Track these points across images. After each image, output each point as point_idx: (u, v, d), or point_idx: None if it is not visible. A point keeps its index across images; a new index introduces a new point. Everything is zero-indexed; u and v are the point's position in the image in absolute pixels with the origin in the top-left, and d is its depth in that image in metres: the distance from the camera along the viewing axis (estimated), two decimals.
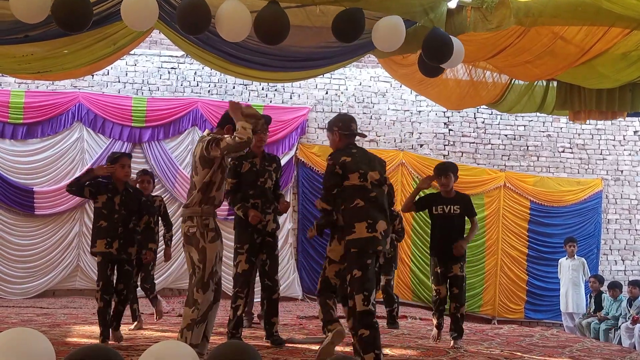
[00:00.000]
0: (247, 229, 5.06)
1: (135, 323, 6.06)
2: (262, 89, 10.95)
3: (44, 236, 9.81)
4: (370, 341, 3.79)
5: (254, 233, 5.06)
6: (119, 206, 5.05)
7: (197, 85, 10.79)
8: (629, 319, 8.45)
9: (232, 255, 5.15)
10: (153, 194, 6.48)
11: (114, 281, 5.09)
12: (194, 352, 2.10)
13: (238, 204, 5.13)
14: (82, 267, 9.87)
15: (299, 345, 4.90)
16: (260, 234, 5.10)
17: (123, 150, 10.00)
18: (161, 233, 6.57)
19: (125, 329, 5.64)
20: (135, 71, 10.62)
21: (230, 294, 5.18)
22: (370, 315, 3.82)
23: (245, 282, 5.04)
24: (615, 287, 9.34)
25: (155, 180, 7.56)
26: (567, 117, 7.68)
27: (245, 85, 10.84)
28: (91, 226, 9.56)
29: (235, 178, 5.22)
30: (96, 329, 5.60)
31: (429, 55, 5.36)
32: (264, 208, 5.13)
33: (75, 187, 5.10)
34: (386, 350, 4.88)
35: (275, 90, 11.00)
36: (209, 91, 10.77)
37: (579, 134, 11.93)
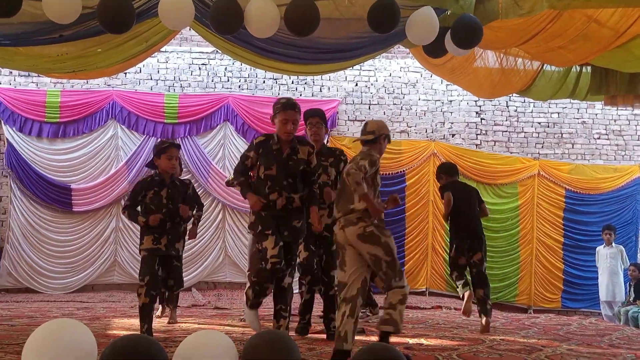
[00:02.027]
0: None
1: (160, 310, 6.16)
2: (292, 83, 10.98)
3: (82, 232, 10.03)
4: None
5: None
6: (167, 200, 4.87)
7: (228, 80, 10.87)
8: None
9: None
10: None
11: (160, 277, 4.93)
12: (231, 341, 2.14)
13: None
14: (119, 262, 10.07)
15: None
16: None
17: None
18: None
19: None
20: (167, 68, 10.75)
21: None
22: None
23: (306, 268, 5.04)
24: None
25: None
26: (602, 102, 7.54)
27: (275, 79, 10.88)
28: (126, 222, 9.92)
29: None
30: (135, 322, 5.72)
31: (457, 40, 5.32)
32: (320, 202, 4.93)
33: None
34: (421, 340, 4.88)
35: (305, 83, 11.02)
36: (239, 86, 10.85)
37: (615, 120, 11.69)
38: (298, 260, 5.00)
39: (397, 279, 4.04)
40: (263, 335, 2.16)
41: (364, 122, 4.68)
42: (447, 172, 6.48)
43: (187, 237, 5.64)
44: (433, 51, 5.97)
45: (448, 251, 6.63)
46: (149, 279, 4.67)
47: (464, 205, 6.11)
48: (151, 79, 10.69)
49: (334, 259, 4.79)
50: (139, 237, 5.11)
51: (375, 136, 4.32)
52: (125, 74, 10.37)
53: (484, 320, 5.64)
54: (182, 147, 10.22)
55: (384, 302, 4.06)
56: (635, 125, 11.71)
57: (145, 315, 4.76)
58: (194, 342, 2.08)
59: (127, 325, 5.63)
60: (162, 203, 4.84)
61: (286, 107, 4.57)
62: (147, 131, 10.23)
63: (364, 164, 4.02)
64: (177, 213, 4.91)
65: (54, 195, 9.92)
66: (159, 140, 5.42)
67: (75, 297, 8.98)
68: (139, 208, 4.94)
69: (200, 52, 10.77)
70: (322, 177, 5.07)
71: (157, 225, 4.76)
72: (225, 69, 10.87)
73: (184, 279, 5.53)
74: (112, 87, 10.43)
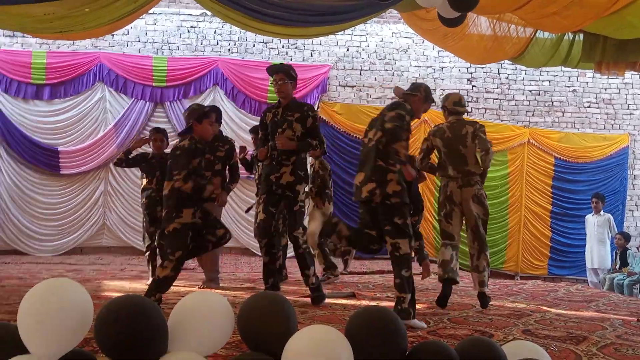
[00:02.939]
0: (265, 180, 4.99)
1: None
2: (283, 47, 10.85)
3: (70, 195, 9.98)
4: None
5: (272, 184, 4.94)
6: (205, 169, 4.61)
7: (217, 44, 10.72)
8: None
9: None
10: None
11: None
12: (227, 302, 2.13)
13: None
14: (108, 225, 10.04)
15: (326, 299, 4.94)
16: (278, 186, 4.93)
17: (145, 111, 10.06)
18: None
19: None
20: (155, 30, 10.57)
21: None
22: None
23: (262, 232, 4.92)
24: None
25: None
26: (593, 70, 7.52)
27: (266, 43, 10.75)
28: (115, 186, 9.88)
29: (263, 130, 5.19)
30: (125, 284, 5.74)
31: (454, 3, 5.27)
32: (279, 159, 4.93)
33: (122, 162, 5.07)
34: None
35: (296, 47, 10.90)
36: (229, 50, 10.71)
37: (605, 89, 11.69)
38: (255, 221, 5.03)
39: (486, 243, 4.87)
40: (258, 297, 2.15)
41: (451, 94, 5.13)
42: None
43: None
44: (451, 22, 5.87)
45: (437, 217, 6.64)
46: (181, 254, 4.36)
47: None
48: (139, 41, 10.52)
49: (298, 220, 4.89)
50: (142, 202, 5.08)
51: None
52: (113, 35, 10.20)
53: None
54: (170, 110, 10.17)
55: (476, 265, 4.76)
56: (626, 94, 11.72)
57: (164, 287, 4.41)
58: (191, 303, 2.07)
59: (117, 287, 5.63)
60: (201, 172, 4.48)
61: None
62: (135, 94, 10.10)
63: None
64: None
65: (42, 158, 9.83)
66: (193, 104, 5.06)
67: (65, 260, 8.96)
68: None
69: (189, 14, 10.59)
70: (287, 133, 4.93)
71: (205, 197, 4.45)
72: (215, 32, 10.71)
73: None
74: (99, 49, 10.26)
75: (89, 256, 9.55)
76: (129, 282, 6.05)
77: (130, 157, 6.00)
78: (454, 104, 5.12)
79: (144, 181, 6.09)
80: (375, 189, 4.05)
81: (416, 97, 4.43)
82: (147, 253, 5.98)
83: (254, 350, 2.03)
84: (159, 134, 6.07)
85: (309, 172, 5.46)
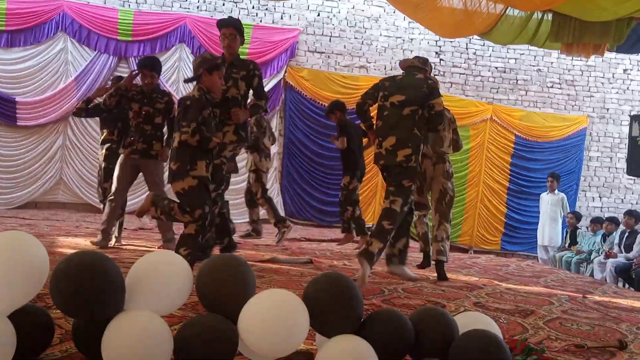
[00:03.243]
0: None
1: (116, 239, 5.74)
2: (253, 8, 10.68)
3: (26, 147, 9.73)
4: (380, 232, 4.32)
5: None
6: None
7: (186, 0, 10.48)
8: (601, 253, 8.70)
9: None
10: None
11: None
12: (185, 262, 2.12)
13: None
14: (65, 180, 9.85)
15: (283, 265, 4.98)
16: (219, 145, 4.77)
17: (108, 65, 9.82)
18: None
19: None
20: None
21: None
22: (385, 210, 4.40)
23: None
24: (597, 222, 9.57)
25: None
26: (559, 51, 7.63)
27: (235, 2, 10.57)
28: (73, 140, 9.64)
29: None
30: (80, 241, 5.66)
31: None
32: (222, 118, 4.80)
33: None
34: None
35: (266, 9, 10.74)
36: (197, 7, 10.49)
37: (569, 70, 11.89)
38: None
39: (449, 216, 5.12)
40: (218, 259, 2.15)
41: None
42: (342, 109, 6.96)
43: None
44: None
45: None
46: (202, 212, 4.02)
47: (356, 142, 6.70)
48: None
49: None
50: (101, 154, 4.90)
51: None
52: None
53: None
54: (134, 66, 9.92)
55: (435, 235, 5.01)
56: (588, 77, 11.94)
57: (195, 245, 4.09)
58: (149, 262, 2.06)
59: (72, 244, 5.54)
60: (211, 123, 4.24)
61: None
62: (98, 47, 9.84)
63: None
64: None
65: None
66: (206, 53, 4.75)
67: (18, 214, 8.77)
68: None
69: None
70: (231, 91, 4.82)
71: (211, 149, 4.21)
72: None
73: (131, 202, 5.28)
74: None
75: (43, 211, 9.37)
76: (84, 239, 5.97)
77: (90, 106, 5.61)
78: None
79: (105, 132, 5.86)
80: (411, 155, 4.36)
81: (425, 71, 4.69)
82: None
83: (211, 312, 2.03)
84: (146, 69, 5.34)
85: None
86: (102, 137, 5.91)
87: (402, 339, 2.08)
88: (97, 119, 6.59)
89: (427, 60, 4.87)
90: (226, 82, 4.82)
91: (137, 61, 9.91)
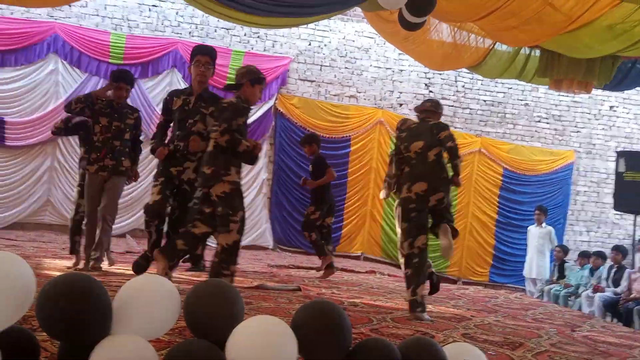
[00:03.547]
0: (165, 168, 4.83)
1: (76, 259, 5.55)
2: (245, 35, 10.76)
3: (14, 168, 9.66)
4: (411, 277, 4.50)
5: (172, 176, 4.82)
6: None
7: (179, 25, 10.55)
8: (589, 287, 8.71)
9: None
10: None
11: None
12: (174, 286, 2.10)
13: (157, 139, 4.94)
14: (52, 202, 9.77)
15: (271, 292, 4.94)
16: (179, 181, 4.83)
17: (99, 87, 9.81)
18: None
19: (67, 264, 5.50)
20: (115, 5, 10.33)
21: None
22: (412, 256, 4.52)
23: (155, 214, 4.77)
24: (584, 256, 9.61)
25: None
26: (548, 86, 7.74)
27: (228, 29, 10.64)
28: (62, 162, 9.57)
29: (165, 114, 4.98)
30: (67, 263, 5.58)
31: (412, 8, 5.37)
32: (184, 153, 4.77)
33: None
34: (356, 301, 4.97)
35: (258, 37, 10.82)
36: (190, 32, 10.55)
37: (555, 105, 12.04)
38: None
39: None
40: (207, 284, 2.13)
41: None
42: (319, 142, 7.16)
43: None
44: (410, 26, 5.92)
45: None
46: (243, 214, 4.32)
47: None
48: (97, 14, 10.26)
49: (187, 217, 4.57)
50: (80, 173, 4.88)
51: None
52: (71, 6, 9.93)
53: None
54: None
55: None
56: (574, 112, 12.10)
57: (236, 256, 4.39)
58: (137, 285, 2.03)
59: (59, 266, 5.47)
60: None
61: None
62: (89, 69, 9.87)
63: None
64: None
65: None
66: (252, 65, 4.66)
67: (3, 235, 8.65)
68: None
69: None
70: (198, 126, 4.75)
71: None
72: (177, 13, 10.54)
73: (118, 225, 5.24)
74: (55, 19, 9.96)
75: (29, 232, 9.26)
76: (71, 262, 5.89)
77: (70, 125, 5.48)
78: None
79: (82, 150, 5.62)
80: (443, 198, 4.59)
81: (438, 115, 5.00)
82: (72, 225, 5.60)
83: (198, 337, 2.01)
84: (121, 82, 5.25)
85: None
86: (81, 155, 5.68)
87: None
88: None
89: (438, 103, 5.10)
90: (193, 116, 4.76)
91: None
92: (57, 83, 9.78)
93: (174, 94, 5.01)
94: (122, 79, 5.27)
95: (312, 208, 6.83)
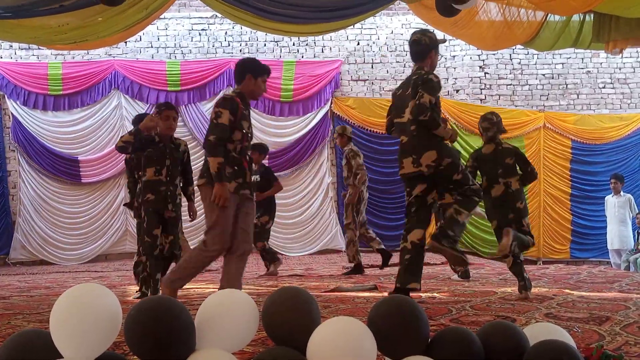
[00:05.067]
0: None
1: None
2: (294, 45, 10.90)
3: (91, 203, 10.15)
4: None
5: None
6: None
7: (229, 45, 10.80)
8: None
9: None
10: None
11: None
12: (251, 299, 2.18)
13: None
14: (130, 231, 10.17)
15: (348, 294, 4.99)
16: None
17: None
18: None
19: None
20: (167, 35, 10.68)
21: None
22: (405, 251, 4.37)
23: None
24: None
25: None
26: (604, 50, 7.49)
27: (277, 41, 10.80)
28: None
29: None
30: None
31: None
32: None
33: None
34: (434, 294, 4.96)
35: (307, 44, 10.94)
36: (240, 50, 10.79)
37: (620, 68, 11.59)
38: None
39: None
40: (281, 292, 2.20)
41: None
42: (266, 152, 7.42)
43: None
44: (447, 10, 5.91)
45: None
46: None
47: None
48: (152, 46, 10.64)
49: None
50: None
51: None
52: (126, 43, 10.32)
53: None
54: (186, 114, 10.27)
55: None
56: None
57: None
58: (215, 301, 2.12)
59: None
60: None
61: None
62: (150, 99, 10.24)
63: None
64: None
65: (62, 168, 10.00)
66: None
67: (90, 267, 9.11)
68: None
69: (199, 17, 10.69)
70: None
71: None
72: (226, 33, 10.79)
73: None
74: (113, 57, 10.40)
75: (113, 262, 9.70)
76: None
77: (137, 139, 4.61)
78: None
79: (149, 172, 4.79)
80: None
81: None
82: (138, 267, 5.21)
83: (279, 345, 2.07)
84: (171, 110, 4.87)
85: None
86: (146, 178, 4.81)
87: (471, 355, 2.07)
88: None
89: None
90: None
91: (186, 109, 10.25)
92: (121, 117, 10.21)
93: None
94: (169, 106, 4.97)
95: (267, 217, 7.06)
